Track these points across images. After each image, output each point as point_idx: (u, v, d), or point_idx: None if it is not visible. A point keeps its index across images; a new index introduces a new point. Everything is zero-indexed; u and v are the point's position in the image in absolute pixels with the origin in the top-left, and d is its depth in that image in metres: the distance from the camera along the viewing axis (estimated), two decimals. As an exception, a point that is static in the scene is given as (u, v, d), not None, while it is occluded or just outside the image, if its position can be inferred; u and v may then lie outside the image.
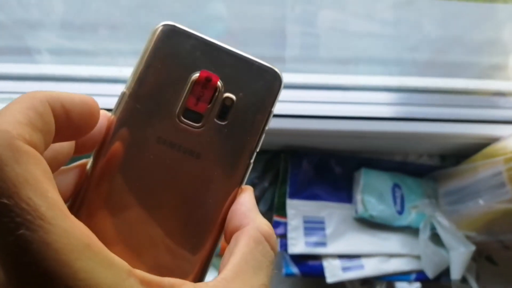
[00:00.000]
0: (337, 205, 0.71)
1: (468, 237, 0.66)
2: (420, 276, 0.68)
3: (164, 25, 0.23)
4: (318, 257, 0.67)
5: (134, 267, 0.17)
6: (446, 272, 0.67)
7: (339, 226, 0.69)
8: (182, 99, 0.23)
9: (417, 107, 0.68)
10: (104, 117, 0.22)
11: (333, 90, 0.69)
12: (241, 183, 0.23)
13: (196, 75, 0.23)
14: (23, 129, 0.16)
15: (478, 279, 0.67)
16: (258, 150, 0.23)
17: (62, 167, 0.22)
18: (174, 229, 0.22)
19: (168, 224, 0.22)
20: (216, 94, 0.23)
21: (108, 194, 0.22)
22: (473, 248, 0.65)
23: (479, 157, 0.66)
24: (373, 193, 0.70)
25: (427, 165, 0.74)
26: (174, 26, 0.23)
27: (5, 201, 0.15)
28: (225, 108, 0.23)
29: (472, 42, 0.69)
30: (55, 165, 0.21)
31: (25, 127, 0.17)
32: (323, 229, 0.69)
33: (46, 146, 0.18)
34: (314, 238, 0.67)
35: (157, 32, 0.23)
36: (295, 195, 0.70)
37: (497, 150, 0.64)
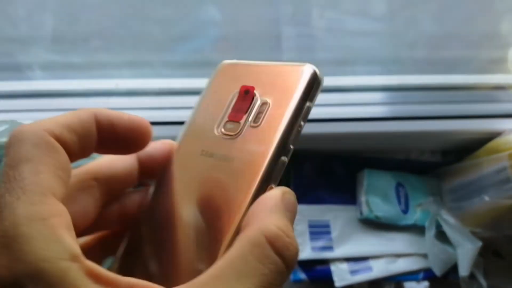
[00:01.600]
0: (342, 208, 0.70)
1: (474, 233, 0.66)
2: (428, 274, 0.67)
3: (223, 63, 0.27)
4: (325, 262, 0.66)
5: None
6: (454, 269, 0.67)
7: (345, 228, 0.69)
8: (224, 114, 0.25)
9: (417, 105, 0.68)
10: (169, 146, 0.25)
11: (331, 92, 0.68)
12: (274, 181, 0.22)
13: (236, 91, 0.25)
14: (56, 127, 0.19)
15: (485, 274, 0.67)
16: (293, 147, 0.23)
17: (129, 189, 0.25)
18: (211, 236, 0.22)
19: (205, 232, 0.23)
20: (253, 102, 0.25)
21: (162, 215, 0.24)
22: (479, 244, 0.64)
23: (482, 153, 0.66)
24: (377, 194, 0.69)
25: (429, 162, 0.74)
26: (228, 62, 0.27)
27: (8, 170, 0.18)
28: (260, 113, 0.24)
29: (470, 36, 0.68)
30: (114, 182, 0.24)
31: (60, 127, 0.20)
32: (328, 232, 0.68)
33: (83, 148, 0.21)
34: (320, 243, 0.67)
35: (216, 69, 0.27)
36: (299, 199, 0.68)
37: (501, 145, 0.63)
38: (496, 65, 0.69)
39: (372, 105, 0.67)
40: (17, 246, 0.16)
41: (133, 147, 0.23)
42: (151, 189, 0.25)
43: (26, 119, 0.54)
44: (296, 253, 0.19)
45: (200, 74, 0.61)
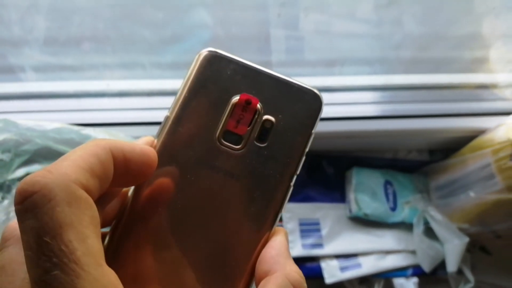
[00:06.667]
0: (331, 206, 0.71)
1: (461, 229, 0.67)
2: (417, 270, 0.68)
3: (206, 51, 0.24)
4: (315, 259, 0.67)
5: None
6: (442, 265, 0.68)
7: (334, 226, 0.70)
8: (223, 121, 0.23)
9: (403, 104, 0.69)
10: (148, 142, 0.23)
11: (320, 92, 0.69)
12: (281, 206, 0.23)
13: (236, 98, 0.23)
14: (82, 174, 0.18)
15: (473, 270, 0.68)
16: (298, 173, 0.23)
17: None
18: (208, 268, 0.22)
19: (203, 261, 0.22)
20: (256, 116, 0.23)
21: (147, 220, 0.22)
22: (466, 239, 0.66)
23: (467, 150, 0.67)
24: (365, 191, 0.70)
25: (417, 161, 0.75)
26: (215, 52, 0.24)
27: (48, 240, 0.16)
28: (265, 130, 0.23)
29: (453, 37, 0.70)
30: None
31: (84, 172, 0.18)
32: (318, 230, 0.69)
33: (102, 191, 0.19)
34: (310, 240, 0.68)
35: (199, 58, 0.24)
36: (290, 198, 0.70)
37: (485, 142, 0.65)
38: (478, 64, 0.71)
39: (360, 104, 0.68)
40: None
41: (140, 180, 0.22)
42: (130, 192, 0.23)
43: (18, 120, 0.55)
44: None
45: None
